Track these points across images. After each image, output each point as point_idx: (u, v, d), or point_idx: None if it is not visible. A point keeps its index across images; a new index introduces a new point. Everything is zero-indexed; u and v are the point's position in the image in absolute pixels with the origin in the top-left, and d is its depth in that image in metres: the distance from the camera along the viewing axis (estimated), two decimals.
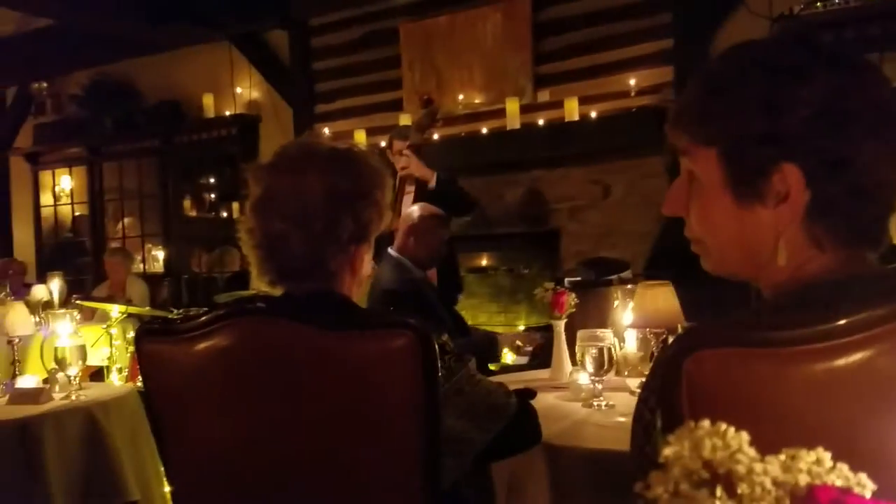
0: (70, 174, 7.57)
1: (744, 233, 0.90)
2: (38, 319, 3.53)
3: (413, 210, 3.40)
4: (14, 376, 2.48)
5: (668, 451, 0.39)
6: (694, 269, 1.07)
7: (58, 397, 2.32)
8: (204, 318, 1.27)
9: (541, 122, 4.91)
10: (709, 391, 0.81)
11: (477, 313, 5.17)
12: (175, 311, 4.28)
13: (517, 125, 4.93)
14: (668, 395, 0.85)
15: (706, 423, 0.40)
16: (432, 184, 3.98)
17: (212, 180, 7.04)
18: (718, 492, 0.38)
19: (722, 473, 0.38)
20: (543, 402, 1.97)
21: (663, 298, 2.10)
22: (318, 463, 1.24)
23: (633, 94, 4.70)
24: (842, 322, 0.78)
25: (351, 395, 1.23)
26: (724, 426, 0.40)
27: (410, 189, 4.07)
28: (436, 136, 5.08)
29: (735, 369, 0.81)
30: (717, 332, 0.86)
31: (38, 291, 4.63)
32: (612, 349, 1.94)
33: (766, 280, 0.94)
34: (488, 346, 3.30)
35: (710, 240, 0.95)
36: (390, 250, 3.27)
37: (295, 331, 1.23)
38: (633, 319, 2.17)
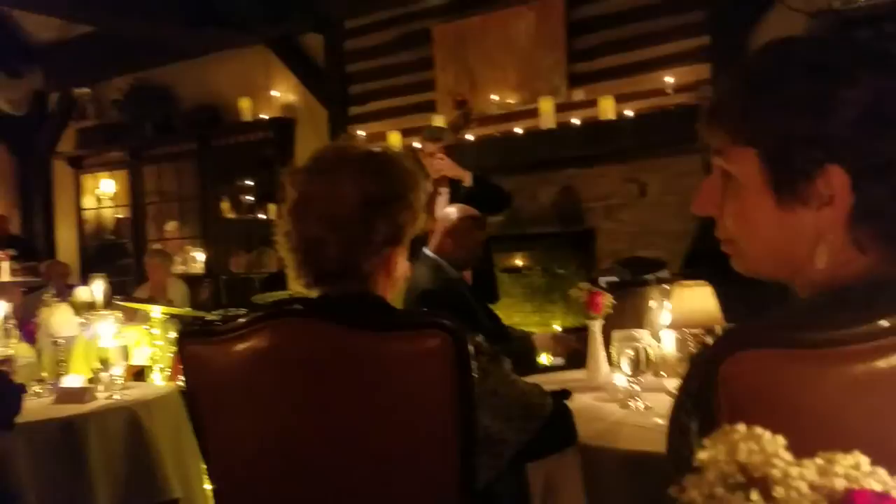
0: (111, 177, 7.73)
1: (783, 235, 0.89)
2: (82, 321, 3.61)
3: (450, 211, 3.40)
4: (59, 376, 2.54)
5: (703, 455, 0.39)
6: (730, 268, 1.06)
7: (102, 397, 2.37)
8: (242, 319, 1.29)
9: (575, 120, 4.88)
10: (746, 393, 0.80)
11: (511, 313, 5.16)
12: (213, 313, 4.35)
13: (551, 124, 4.91)
14: (705, 398, 0.85)
15: (742, 426, 0.40)
16: (467, 182, 3.98)
17: (249, 182, 7.13)
18: (754, 496, 0.38)
19: (758, 477, 0.38)
20: (579, 402, 1.96)
21: (701, 298, 2.07)
22: (353, 462, 1.25)
23: (669, 91, 4.65)
24: (883, 323, 0.77)
25: (386, 395, 1.24)
26: (759, 430, 0.39)
27: (443, 190, 4.07)
28: (469, 137, 5.09)
29: (773, 371, 0.80)
30: (755, 333, 0.85)
31: (82, 293, 4.73)
32: (649, 350, 1.92)
33: (803, 281, 0.93)
34: (524, 354, 3.28)
35: (745, 241, 0.94)
36: (426, 251, 3.27)
37: (331, 332, 1.25)
38: (670, 320, 2.15)
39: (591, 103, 4.85)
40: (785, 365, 0.82)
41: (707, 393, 0.83)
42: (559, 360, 3.44)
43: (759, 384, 0.81)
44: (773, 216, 0.88)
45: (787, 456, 0.39)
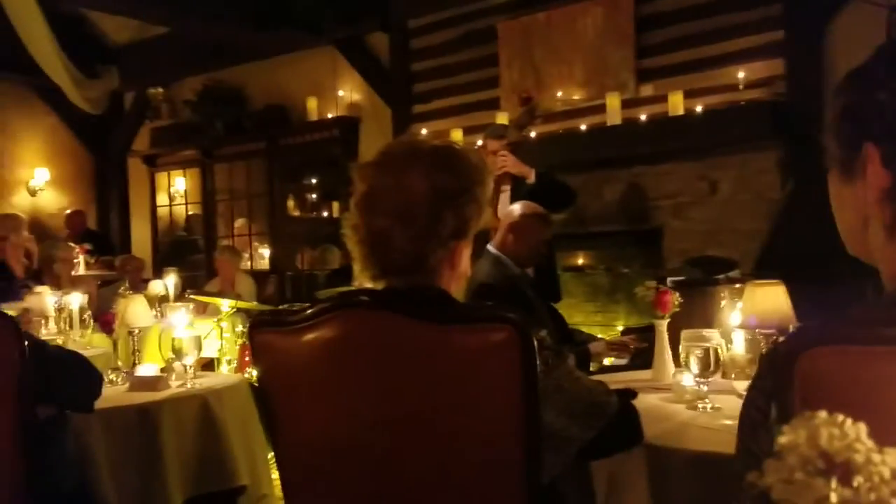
0: (184, 175, 7.97)
1: (846, 212, 0.91)
2: (155, 312, 3.73)
3: (515, 207, 3.38)
4: (134, 365, 2.63)
5: (783, 440, 0.38)
6: (806, 268, 1.05)
7: (174, 385, 2.44)
8: (311, 310, 1.32)
9: (643, 117, 4.80)
10: (823, 390, 0.78)
11: (573, 313, 5.11)
12: (281, 307, 4.43)
13: (618, 121, 4.84)
14: (780, 395, 0.83)
15: (823, 412, 0.39)
16: (531, 179, 3.96)
17: (314, 181, 7.26)
18: (833, 483, 0.37)
19: (838, 463, 0.36)
20: (645, 402, 1.93)
21: (774, 298, 2.02)
22: (418, 453, 1.26)
23: (741, 87, 4.54)
24: None
25: (451, 388, 1.24)
26: (841, 416, 0.38)
27: (506, 188, 4.06)
28: (532, 134, 5.06)
29: (850, 367, 0.78)
30: (831, 329, 0.83)
31: (155, 286, 4.89)
32: (719, 350, 1.88)
33: (886, 267, 0.91)
34: (582, 361, 3.24)
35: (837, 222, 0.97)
36: (489, 247, 3.27)
37: (397, 323, 1.26)
38: (741, 320, 2.10)
39: (660, 99, 4.77)
40: (862, 361, 0.80)
41: (783, 389, 0.81)
42: (622, 360, 3.40)
43: (836, 381, 0.79)
44: (838, 193, 0.91)
45: (870, 442, 0.38)
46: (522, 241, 3.25)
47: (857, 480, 0.39)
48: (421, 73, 6.04)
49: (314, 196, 7.26)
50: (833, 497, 0.36)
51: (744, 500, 0.88)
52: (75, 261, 4.87)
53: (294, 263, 7.13)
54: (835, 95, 0.93)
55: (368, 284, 1.40)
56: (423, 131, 5.61)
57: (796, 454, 0.37)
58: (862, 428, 0.38)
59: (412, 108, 6.06)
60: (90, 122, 8.01)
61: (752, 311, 2.02)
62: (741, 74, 4.53)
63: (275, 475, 2.35)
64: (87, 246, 6.01)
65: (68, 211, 7.90)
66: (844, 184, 0.90)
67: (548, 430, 1.28)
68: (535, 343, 1.24)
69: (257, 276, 6.70)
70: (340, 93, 6.65)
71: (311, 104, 6.66)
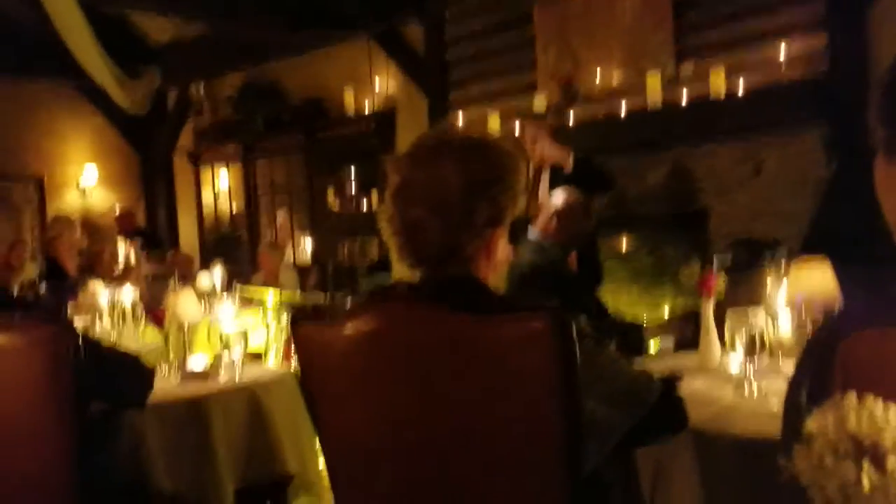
0: (227, 172, 8.10)
1: (888, 193, 0.90)
2: (203, 306, 3.80)
3: (558, 194, 3.39)
4: (184, 358, 2.70)
5: (811, 425, 0.38)
6: (852, 250, 1.03)
7: (223, 377, 2.50)
8: (350, 304, 1.34)
9: (683, 97, 4.72)
10: (864, 372, 0.77)
11: (617, 297, 5.06)
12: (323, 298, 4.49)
13: (658, 102, 4.77)
14: (822, 377, 0.82)
15: (852, 396, 0.39)
16: (569, 168, 3.93)
17: (352, 174, 7.31)
18: (865, 465, 0.37)
19: (868, 446, 0.36)
20: (691, 387, 1.92)
21: (820, 278, 1.98)
22: (458, 443, 1.27)
23: (784, 64, 4.42)
24: None
25: (489, 378, 1.25)
26: (870, 400, 0.38)
27: (545, 174, 4.04)
28: (571, 119, 5.01)
29: (891, 350, 0.77)
30: (873, 311, 0.82)
31: (203, 280, 4.98)
32: (765, 331, 1.86)
33: None
34: (632, 335, 3.24)
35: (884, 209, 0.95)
36: (531, 233, 3.28)
37: (434, 315, 1.27)
38: (787, 300, 2.07)
39: (700, 78, 4.67)
40: None
41: (825, 371, 0.81)
42: (668, 344, 3.37)
43: (877, 363, 0.78)
44: (884, 174, 0.89)
45: None
46: (565, 228, 3.26)
47: (892, 461, 0.38)
48: (456, 60, 6.03)
49: (353, 188, 7.32)
50: (864, 480, 0.36)
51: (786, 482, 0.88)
52: (122, 255, 4.99)
53: (335, 255, 7.21)
54: (883, 74, 0.91)
55: (406, 275, 1.42)
56: (460, 116, 5.59)
57: (824, 439, 0.37)
58: (893, 411, 0.38)
59: (448, 95, 6.05)
60: (136, 121, 8.17)
61: (797, 290, 1.99)
62: (782, 50, 4.42)
63: (322, 465, 2.40)
64: (138, 241, 6.14)
65: (118, 212, 8.08)
66: (890, 164, 0.88)
67: (589, 419, 1.28)
68: (575, 331, 1.23)
69: (300, 268, 6.79)
70: (376, 85, 6.67)
71: (348, 97, 6.69)
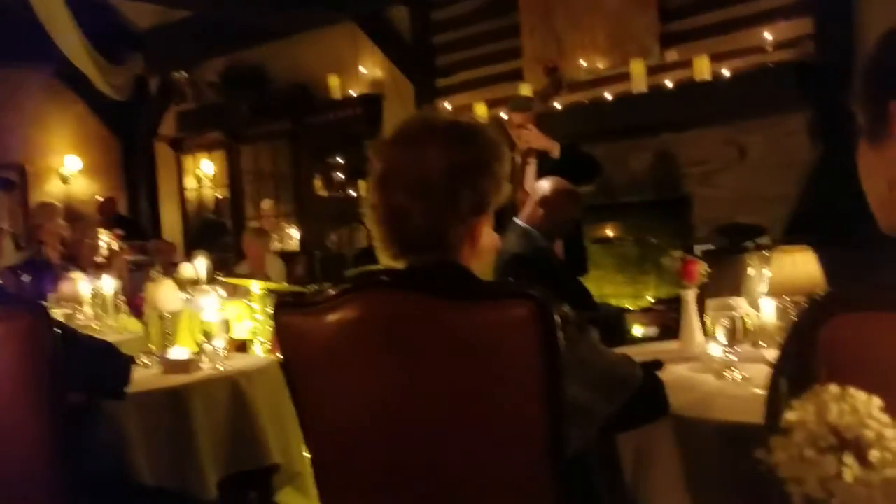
0: (210, 158, 8.03)
1: (873, 177, 0.90)
2: (187, 296, 3.77)
3: (545, 183, 3.38)
4: (165, 348, 2.67)
5: (790, 416, 0.37)
6: (837, 233, 1.03)
7: (206, 367, 2.48)
8: (332, 291, 1.32)
9: (669, 83, 4.71)
10: (846, 357, 0.76)
11: (602, 284, 5.07)
12: (309, 287, 4.46)
13: (643, 88, 4.76)
14: (803, 362, 0.82)
15: (834, 387, 0.37)
16: (556, 154, 3.92)
17: (339, 160, 7.27)
18: (848, 459, 0.36)
19: (850, 439, 0.35)
20: (673, 373, 1.92)
21: (803, 264, 1.98)
22: (441, 429, 1.27)
23: (769, 49, 4.42)
24: None
25: (473, 365, 1.24)
26: (852, 390, 0.37)
27: (531, 161, 4.03)
28: (557, 105, 5.00)
29: (873, 334, 0.76)
30: (855, 295, 0.82)
31: (186, 269, 4.94)
32: (746, 318, 1.85)
33: None
34: (615, 322, 3.25)
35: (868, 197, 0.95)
36: (517, 220, 3.28)
37: (417, 302, 1.26)
38: (769, 287, 2.07)
39: (686, 64, 4.67)
40: (887, 329, 0.78)
41: (806, 356, 0.80)
42: (651, 332, 3.38)
43: (859, 347, 0.77)
44: (866, 159, 0.90)
45: (884, 417, 0.37)
46: (551, 216, 3.27)
47: (873, 455, 0.37)
48: (442, 46, 5.99)
49: (340, 175, 7.28)
50: (846, 474, 0.35)
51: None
52: (101, 244, 4.96)
53: (323, 243, 7.17)
54: (865, 58, 0.91)
55: (390, 263, 1.40)
56: (447, 105, 5.57)
57: (804, 430, 0.36)
58: (875, 402, 0.37)
59: (435, 82, 6.02)
60: (117, 108, 8.08)
61: (780, 277, 1.99)
62: (768, 36, 4.42)
63: (307, 454, 2.39)
64: (120, 231, 6.08)
65: (99, 198, 8.01)
66: (871, 149, 0.89)
67: (571, 405, 1.28)
68: (558, 318, 1.23)
69: (287, 256, 6.74)
70: (362, 69, 6.62)
71: (334, 82, 6.64)
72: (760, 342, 2.12)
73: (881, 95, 0.86)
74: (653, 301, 4.57)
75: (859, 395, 0.37)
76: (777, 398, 0.88)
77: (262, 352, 4.27)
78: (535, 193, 3.34)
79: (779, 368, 0.90)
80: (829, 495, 0.33)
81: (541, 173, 3.91)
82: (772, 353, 2.00)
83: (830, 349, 0.79)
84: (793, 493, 0.34)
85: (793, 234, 3.50)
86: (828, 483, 0.33)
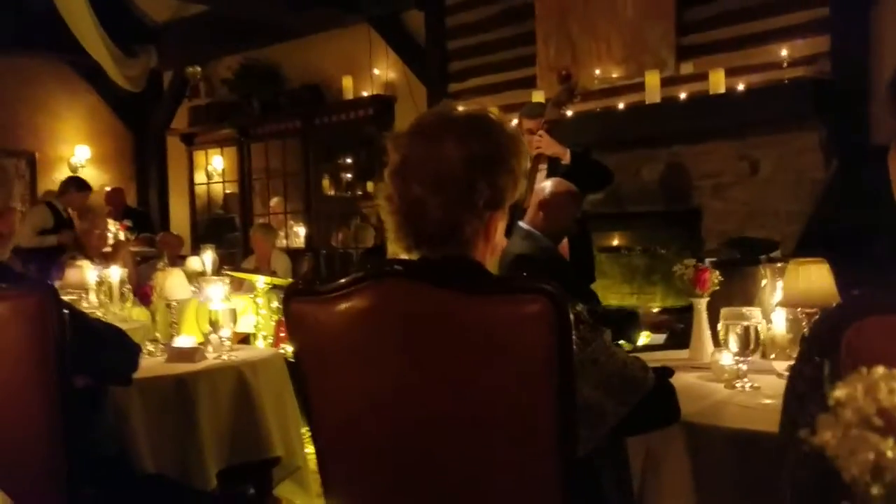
0: (221, 154, 8.04)
1: None
2: (193, 288, 3.77)
3: (545, 185, 3.37)
4: (171, 337, 2.66)
5: (839, 393, 0.36)
6: (850, 250, 1.02)
7: (211, 357, 2.47)
8: (344, 279, 1.31)
9: (683, 95, 4.71)
10: (869, 359, 0.75)
11: (609, 294, 5.05)
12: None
13: (657, 99, 4.75)
14: (826, 366, 0.80)
15: (881, 368, 0.37)
16: (566, 160, 3.91)
17: (349, 160, 7.27)
18: (891, 442, 0.35)
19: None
20: (683, 381, 1.90)
21: (817, 276, 1.96)
22: (451, 422, 1.25)
23: (785, 65, 4.41)
24: None
25: (484, 359, 1.23)
26: None
27: (542, 167, 4.02)
28: (569, 113, 4.99)
29: None
30: (878, 299, 0.81)
31: (193, 262, 4.95)
32: (759, 329, 1.84)
33: None
34: (626, 322, 3.24)
35: None
36: (520, 223, 3.27)
37: (430, 293, 1.24)
38: (783, 298, 2.05)
39: (701, 77, 4.66)
40: None
41: (830, 361, 0.79)
42: (659, 339, 3.36)
43: (883, 351, 0.76)
44: None
45: None
46: (552, 217, 3.26)
47: None
48: (457, 52, 5.99)
49: (349, 175, 7.28)
50: (890, 454, 0.34)
51: (786, 474, 0.87)
52: (109, 233, 4.97)
53: (329, 242, 7.17)
54: None
55: (402, 256, 1.39)
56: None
57: (853, 408, 0.35)
58: None
59: (448, 86, 6.02)
60: (130, 100, 8.11)
61: (794, 289, 1.97)
62: (784, 52, 4.41)
63: (309, 449, 2.38)
64: (128, 223, 6.09)
65: (108, 188, 8.02)
66: None
67: (582, 405, 1.26)
68: (572, 316, 1.21)
69: (293, 254, 6.75)
70: (376, 71, 6.63)
71: (347, 83, 6.66)
72: (771, 354, 2.11)
73: None
74: (659, 310, 4.55)
75: None
76: (795, 401, 0.86)
77: (265, 346, 4.28)
78: (535, 196, 3.34)
79: (797, 371, 0.89)
80: (881, 473, 0.32)
81: (552, 172, 3.90)
82: (782, 365, 2.00)
83: (856, 350, 0.78)
84: (846, 470, 0.33)
85: (803, 250, 3.48)
86: (882, 460, 0.32)
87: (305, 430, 2.06)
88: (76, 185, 6.48)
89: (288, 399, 2.52)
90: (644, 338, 3.35)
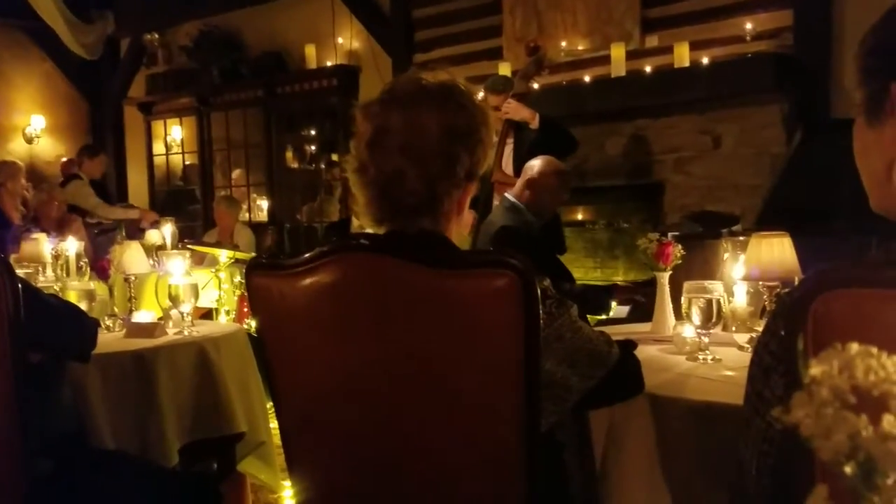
0: (180, 124, 7.87)
1: (870, 156, 0.89)
2: (152, 262, 3.70)
3: (534, 163, 3.39)
4: (130, 312, 2.61)
5: (814, 371, 0.35)
6: (808, 225, 1.03)
7: (171, 332, 2.43)
8: (309, 254, 1.29)
9: (648, 68, 4.71)
10: (836, 333, 0.76)
11: (572, 268, 5.07)
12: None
13: (622, 72, 4.75)
14: (792, 339, 0.81)
15: (855, 344, 0.36)
16: (535, 124, 3.90)
17: (312, 132, 7.17)
18: (865, 420, 0.34)
19: (874, 398, 0.34)
20: (645, 354, 1.91)
21: (780, 249, 1.98)
22: (415, 398, 1.25)
23: (748, 38, 4.44)
24: None
25: (449, 333, 1.22)
26: (875, 349, 0.36)
27: (510, 140, 4.01)
28: (535, 86, 4.97)
29: (864, 310, 0.76)
30: (846, 272, 0.81)
31: (152, 236, 4.85)
32: (721, 302, 1.86)
33: None
34: (596, 296, 3.30)
35: (861, 174, 0.94)
36: (507, 195, 3.32)
37: (397, 267, 1.23)
38: (745, 271, 2.07)
39: (666, 50, 4.68)
40: (876, 304, 0.78)
41: (794, 334, 0.80)
42: (622, 312, 3.40)
43: (850, 323, 0.77)
44: (863, 140, 0.89)
45: None
46: (540, 196, 3.31)
47: (888, 420, 0.36)
48: (422, 21, 5.92)
49: (313, 147, 7.18)
50: (864, 433, 0.33)
51: (749, 444, 0.87)
52: (56, 204, 4.86)
53: (293, 215, 7.09)
54: (866, 36, 0.90)
55: (369, 229, 1.37)
56: None
57: (829, 386, 0.35)
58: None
59: (413, 56, 5.95)
60: (85, 68, 7.89)
61: (756, 262, 1.99)
62: (748, 25, 4.44)
63: (273, 424, 2.36)
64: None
65: (64, 159, 7.82)
66: (869, 129, 0.88)
67: (547, 379, 1.27)
68: (539, 291, 1.21)
69: (256, 227, 6.66)
70: (339, 40, 6.52)
71: (310, 51, 6.54)
72: (732, 327, 2.14)
73: (882, 74, 0.85)
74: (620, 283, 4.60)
75: (883, 355, 0.36)
76: (763, 375, 0.87)
77: (227, 320, 4.22)
78: (524, 173, 3.37)
79: (763, 344, 0.89)
80: (856, 452, 0.32)
81: (520, 145, 3.91)
82: (743, 338, 2.03)
83: (820, 325, 0.78)
84: (820, 450, 0.32)
85: (764, 225, 3.53)
86: (857, 439, 0.32)
87: (270, 406, 2.04)
88: (88, 153, 6.48)
89: (251, 374, 2.49)
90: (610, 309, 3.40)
